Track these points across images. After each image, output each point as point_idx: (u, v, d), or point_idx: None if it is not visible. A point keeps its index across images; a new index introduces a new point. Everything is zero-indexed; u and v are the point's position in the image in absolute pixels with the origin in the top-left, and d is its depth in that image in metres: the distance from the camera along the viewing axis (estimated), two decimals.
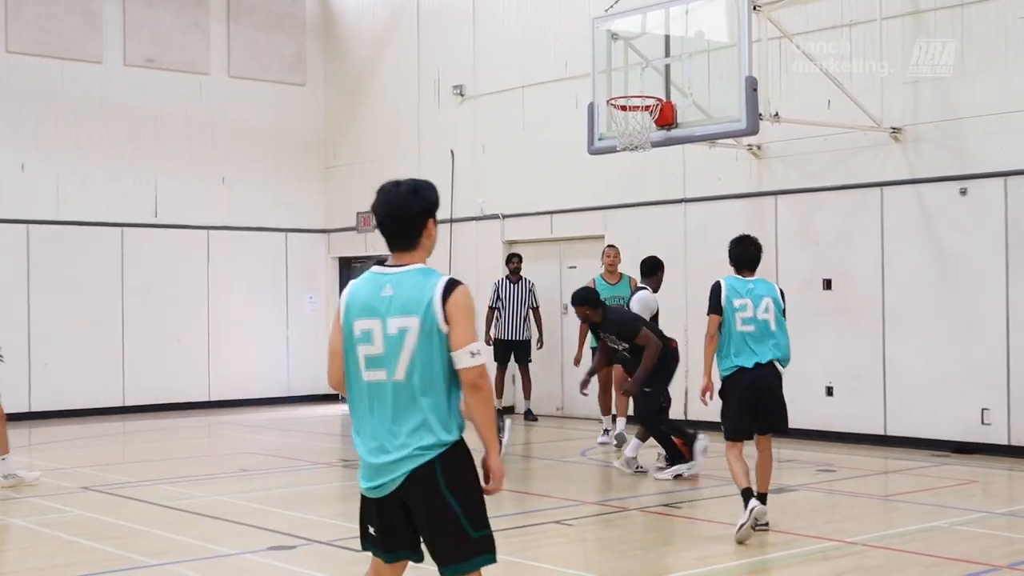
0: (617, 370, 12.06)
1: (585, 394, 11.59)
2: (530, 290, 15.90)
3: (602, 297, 11.30)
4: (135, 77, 17.92)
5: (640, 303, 11.35)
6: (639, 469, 10.83)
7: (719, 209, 14.18)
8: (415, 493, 4.30)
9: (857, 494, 9.95)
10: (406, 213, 4.46)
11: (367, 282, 4.48)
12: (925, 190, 12.53)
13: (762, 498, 8.08)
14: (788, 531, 8.27)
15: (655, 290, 11.95)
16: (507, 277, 15.99)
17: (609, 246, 13.92)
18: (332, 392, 18.97)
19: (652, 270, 11.44)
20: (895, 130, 12.59)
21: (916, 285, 12.54)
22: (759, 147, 13.74)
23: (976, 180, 12.12)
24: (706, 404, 8.50)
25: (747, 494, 7.90)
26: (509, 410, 16.57)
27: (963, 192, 12.22)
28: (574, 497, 9.90)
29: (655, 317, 11.73)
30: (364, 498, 4.46)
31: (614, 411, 13.01)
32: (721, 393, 8.24)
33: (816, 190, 13.37)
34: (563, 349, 16.16)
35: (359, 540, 4.59)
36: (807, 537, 8.09)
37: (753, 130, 11.29)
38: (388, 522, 4.40)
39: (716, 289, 8.20)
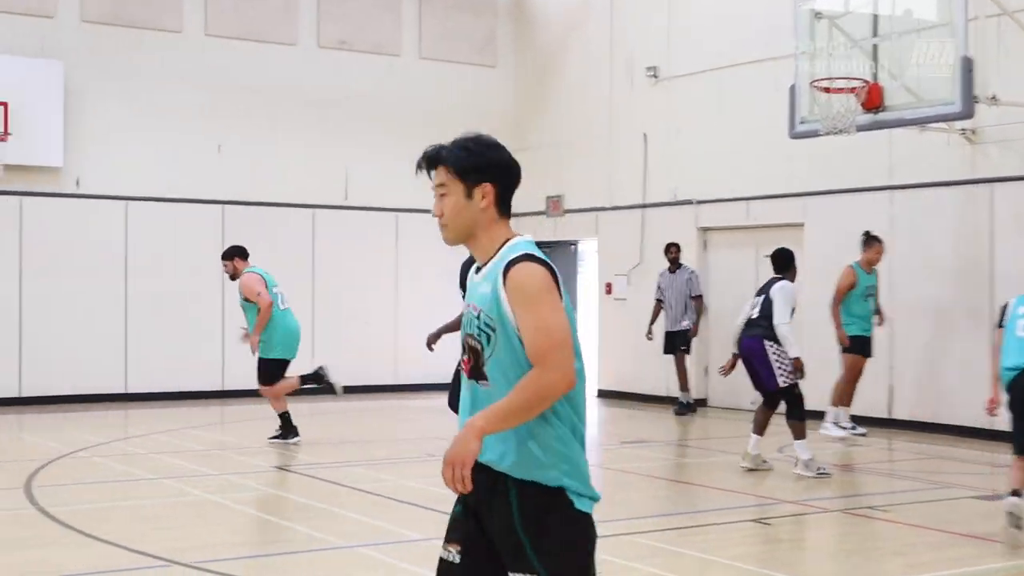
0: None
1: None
2: (688, 278, 15.82)
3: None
4: (328, 59, 18.43)
5: (783, 294, 10.88)
6: (821, 471, 10.58)
7: (929, 197, 13.77)
8: None
9: None
10: None
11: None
12: None
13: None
14: None
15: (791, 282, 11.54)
16: (669, 268, 15.96)
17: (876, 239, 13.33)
18: None
19: (788, 263, 11.02)
20: None
21: None
22: (974, 131, 13.26)
23: None
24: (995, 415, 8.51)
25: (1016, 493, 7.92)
26: (702, 402, 16.48)
27: None
28: (770, 495, 9.80)
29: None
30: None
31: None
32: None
33: None
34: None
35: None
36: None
37: (968, 113, 10.96)
38: None
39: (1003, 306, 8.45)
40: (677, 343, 15.79)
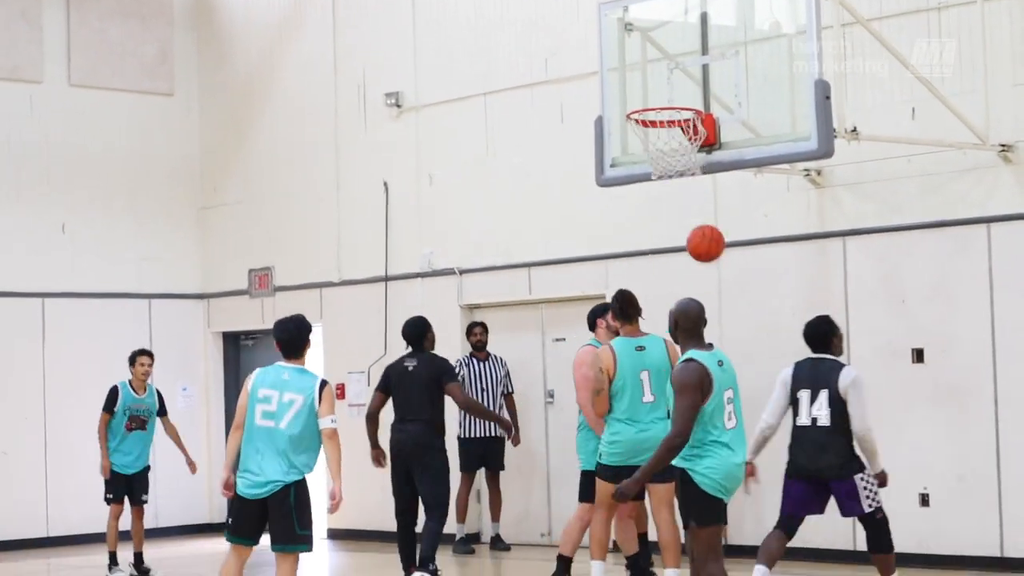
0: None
1: None
2: (503, 371, 16.20)
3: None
4: None
5: (859, 384, 11.13)
6: None
7: (767, 256, 14.61)
8: None
9: None
10: None
11: None
12: None
13: None
14: None
15: None
16: (471, 354, 16.27)
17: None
18: (216, 521, 19.08)
19: (828, 335, 11.47)
20: (1005, 147, 13.09)
21: None
22: (819, 172, 14.16)
23: None
24: None
25: None
26: (474, 538, 16.76)
27: None
28: None
29: None
30: None
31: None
32: None
33: (900, 229, 13.83)
34: (548, 453, 16.43)
35: None
36: None
37: (827, 152, 11.63)
38: None
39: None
40: (489, 458, 16.07)
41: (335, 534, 18.14)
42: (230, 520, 10.27)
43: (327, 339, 18.56)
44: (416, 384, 13.41)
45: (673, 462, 8.81)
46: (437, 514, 13.22)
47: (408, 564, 13.29)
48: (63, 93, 19.04)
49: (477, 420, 15.94)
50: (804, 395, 11.10)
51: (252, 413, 10.16)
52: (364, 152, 18.20)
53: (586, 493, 12.22)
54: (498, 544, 16.29)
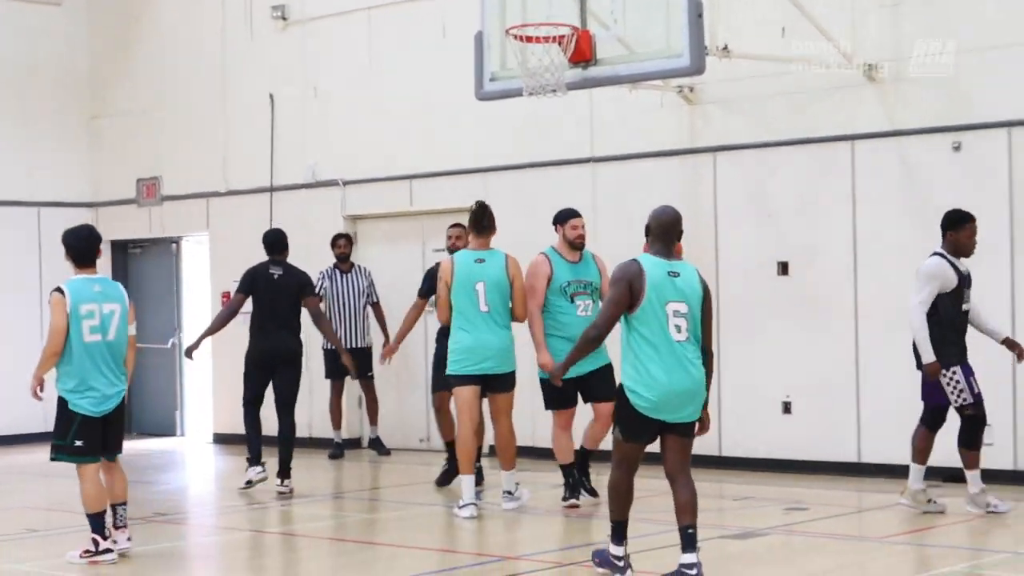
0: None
1: None
2: (367, 281, 16.13)
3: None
4: None
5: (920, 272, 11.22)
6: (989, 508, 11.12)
7: (640, 170, 14.62)
8: None
9: (844, 536, 10.48)
10: None
11: None
12: (909, 144, 13.18)
13: None
14: None
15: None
16: (335, 266, 16.15)
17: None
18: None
19: (949, 224, 11.30)
20: (870, 67, 13.18)
21: (897, 267, 13.06)
22: (692, 89, 14.22)
23: (974, 131, 12.81)
24: None
25: None
26: (354, 443, 16.76)
27: (957, 147, 12.89)
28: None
29: None
30: None
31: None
32: None
33: (768, 145, 13.95)
34: (427, 359, 16.38)
35: None
36: None
37: (699, 68, 11.68)
38: None
39: None
40: (362, 366, 15.93)
41: (219, 438, 18.07)
42: (79, 442, 9.82)
43: (213, 248, 18.41)
44: (283, 293, 13.56)
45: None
46: (292, 416, 13.55)
47: (257, 455, 13.44)
48: None
49: (344, 331, 15.92)
50: None
51: (79, 330, 9.82)
52: (250, 64, 18.00)
53: (549, 402, 12.02)
54: (379, 448, 16.27)
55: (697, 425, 8.54)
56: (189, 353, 14.07)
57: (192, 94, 18.59)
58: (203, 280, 18.80)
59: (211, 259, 18.53)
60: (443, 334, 12.51)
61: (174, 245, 19.45)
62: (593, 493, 12.06)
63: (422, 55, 16.20)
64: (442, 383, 12.55)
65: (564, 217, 12.06)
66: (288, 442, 13.44)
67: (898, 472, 12.97)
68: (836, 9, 13.20)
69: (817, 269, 13.68)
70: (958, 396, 10.97)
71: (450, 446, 13.08)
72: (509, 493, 12.03)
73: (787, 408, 13.75)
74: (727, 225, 14.10)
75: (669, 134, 14.55)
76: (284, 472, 13.36)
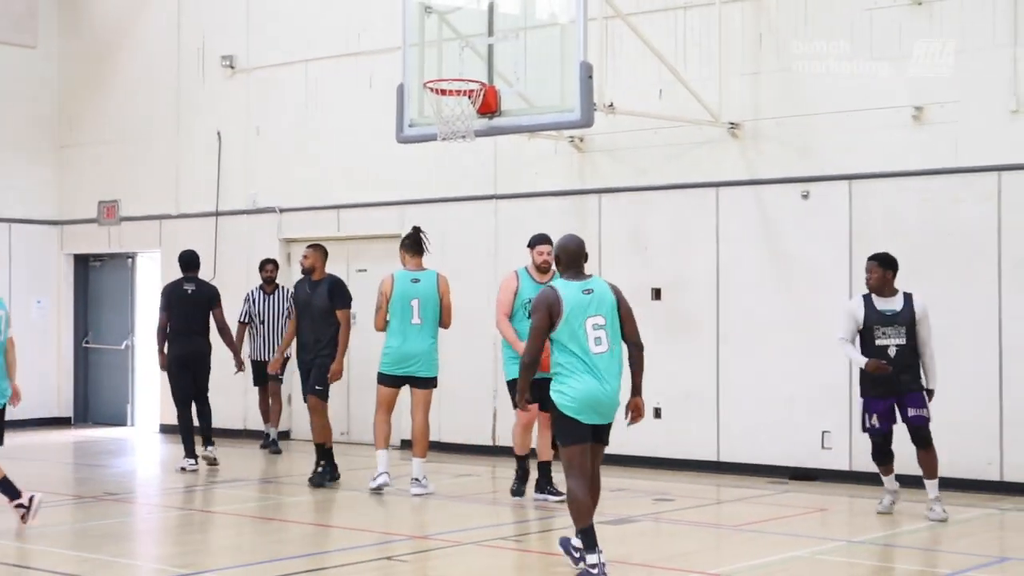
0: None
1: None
2: (289, 302, 16.08)
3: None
4: None
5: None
6: None
7: (536, 206, 14.76)
8: None
9: (704, 524, 10.66)
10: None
11: None
12: (765, 192, 13.43)
13: None
14: (648, 563, 8.85)
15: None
16: (260, 287, 16.10)
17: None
18: (63, 415, 18.82)
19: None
20: (733, 125, 13.45)
21: (754, 296, 13.40)
22: (582, 139, 14.40)
23: (820, 183, 13.09)
24: None
25: None
26: (284, 435, 16.72)
27: (805, 196, 13.16)
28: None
29: None
30: None
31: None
32: None
33: (645, 189, 14.15)
34: (350, 364, 16.38)
35: None
36: (669, 570, 8.68)
37: (588, 122, 11.81)
38: None
39: None
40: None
41: (165, 428, 17.92)
42: None
43: (165, 264, 18.25)
44: (196, 305, 14.26)
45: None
46: (207, 403, 14.36)
47: (191, 446, 14.06)
48: None
49: (264, 343, 15.87)
50: None
51: None
52: (202, 104, 17.95)
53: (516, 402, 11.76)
54: (272, 446, 15.97)
55: (630, 414, 8.54)
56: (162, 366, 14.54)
57: (150, 129, 18.49)
58: (155, 291, 18.55)
59: (162, 273, 18.29)
60: (303, 349, 13.08)
61: (130, 260, 19.30)
62: (558, 493, 11.63)
63: (351, 103, 16.30)
64: (309, 389, 12.94)
65: (534, 243, 11.96)
66: (206, 419, 14.28)
67: (750, 470, 13.29)
68: (705, 76, 13.47)
69: (685, 295, 13.89)
70: (863, 421, 10.92)
71: (320, 447, 13.06)
72: (418, 480, 12.09)
73: (658, 413, 13.90)
74: (609, 255, 14.25)
75: (561, 177, 14.72)
76: (207, 441, 14.24)
